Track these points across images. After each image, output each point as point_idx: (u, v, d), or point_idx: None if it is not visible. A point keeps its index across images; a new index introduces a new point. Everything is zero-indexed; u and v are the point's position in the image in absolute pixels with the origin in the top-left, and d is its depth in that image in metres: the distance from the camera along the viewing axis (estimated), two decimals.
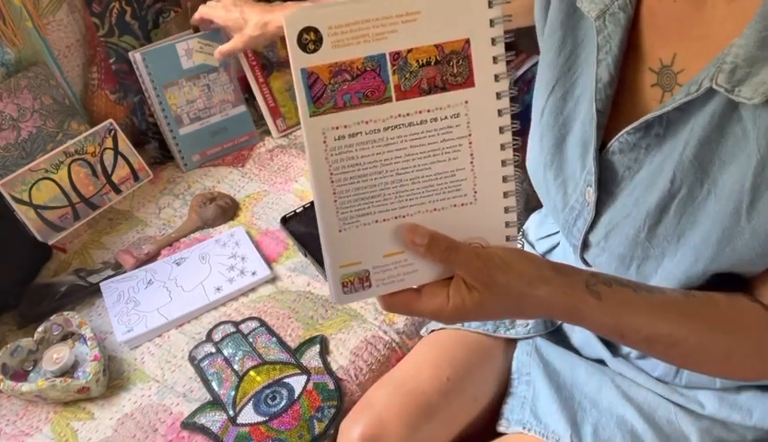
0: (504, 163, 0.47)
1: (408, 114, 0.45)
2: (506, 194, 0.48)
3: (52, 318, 0.88)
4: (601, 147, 0.60)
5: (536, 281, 0.48)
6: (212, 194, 1.15)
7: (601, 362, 0.76)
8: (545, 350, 0.78)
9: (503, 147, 0.47)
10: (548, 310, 0.50)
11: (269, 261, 1.01)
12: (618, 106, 0.59)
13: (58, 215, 1.05)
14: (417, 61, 0.44)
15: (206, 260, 1.01)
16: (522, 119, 0.48)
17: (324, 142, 0.44)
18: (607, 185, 0.60)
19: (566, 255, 0.77)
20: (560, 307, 0.49)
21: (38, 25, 1.09)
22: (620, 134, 0.57)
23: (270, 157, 1.27)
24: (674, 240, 0.56)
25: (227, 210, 1.12)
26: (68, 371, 0.84)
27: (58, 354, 0.84)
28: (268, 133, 1.33)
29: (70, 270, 1.02)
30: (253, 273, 0.98)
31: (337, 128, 0.44)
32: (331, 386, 0.82)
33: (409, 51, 0.43)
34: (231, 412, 0.80)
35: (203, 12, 1.13)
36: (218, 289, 0.96)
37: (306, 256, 1.01)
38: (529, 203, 1.14)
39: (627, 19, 0.56)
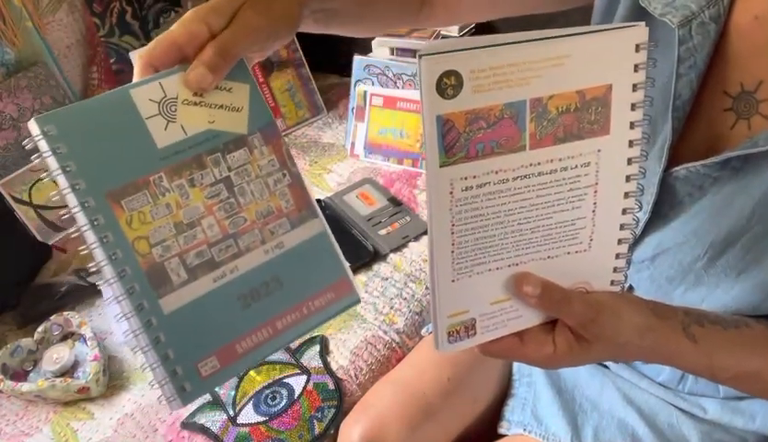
0: (624, 211, 0.45)
1: (539, 164, 0.42)
2: (620, 241, 0.47)
3: (52, 318, 0.88)
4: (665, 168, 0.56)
5: (645, 331, 0.47)
6: None
7: (603, 365, 0.75)
8: None
9: (626, 196, 0.45)
10: (645, 356, 0.50)
11: None
12: (685, 126, 0.55)
13: (58, 215, 1.05)
14: (557, 108, 0.41)
15: None
16: None
17: (451, 193, 0.41)
18: (660, 207, 0.57)
19: None
20: (658, 354, 0.49)
21: (38, 25, 1.09)
22: (692, 164, 0.53)
23: None
24: (733, 274, 0.54)
25: None
26: (68, 371, 0.83)
27: (58, 354, 0.84)
28: None
29: (70, 270, 1.02)
30: None
31: (466, 178, 0.41)
32: (331, 386, 0.82)
33: (550, 97, 0.40)
34: (231, 412, 0.80)
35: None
36: None
37: None
38: None
39: (718, 33, 0.51)
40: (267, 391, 0.82)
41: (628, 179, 0.44)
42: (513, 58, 0.39)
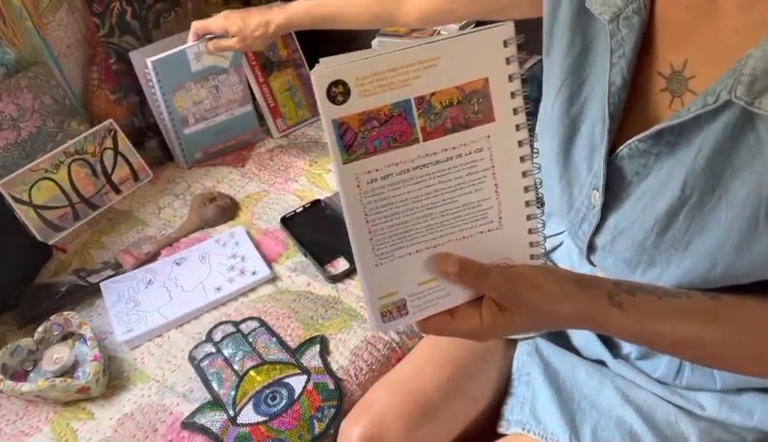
0: (526, 189, 0.50)
1: (435, 153, 0.47)
2: (528, 217, 0.50)
3: (52, 318, 0.88)
4: (610, 151, 0.60)
5: (562, 299, 0.50)
6: (212, 194, 1.15)
7: (602, 363, 0.76)
8: (545, 350, 0.78)
9: (524, 175, 0.49)
10: (574, 323, 0.53)
11: (269, 261, 1.01)
12: (627, 110, 0.59)
13: (58, 215, 1.05)
14: (441, 103, 0.46)
15: (206, 260, 1.01)
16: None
17: (358, 186, 0.46)
18: (614, 190, 0.60)
19: (570, 255, 0.76)
20: (585, 320, 0.52)
21: (38, 25, 1.09)
22: (630, 141, 0.57)
23: (270, 157, 1.27)
24: (681, 248, 0.56)
25: (227, 210, 1.12)
26: (68, 371, 0.83)
27: (58, 354, 0.84)
28: (268, 132, 1.33)
29: (70, 270, 1.02)
30: (253, 273, 0.98)
31: (369, 172, 0.46)
32: (331, 386, 0.82)
33: (432, 94, 0.45)
34: (231, 412, 0.80)
35: (199, 25, 1.11)
36: (218, 289, 0.96)
37: (306, 256, 1.01)
38: None
39: (641, 24, 0.56)
40: (267, 391, 0.82)
41: (523, 159, 0.49)
42: (390, 64, 0.44)
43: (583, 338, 0.77)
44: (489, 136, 0.47)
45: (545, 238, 0.52)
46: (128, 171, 1.16)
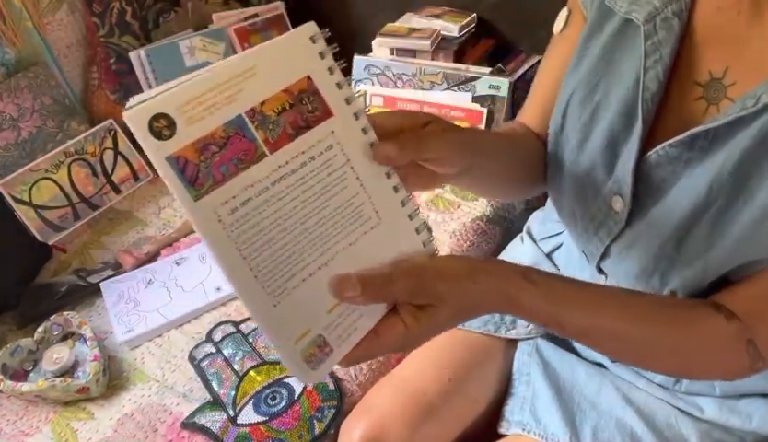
0: (388, 175, 0.48)
1: (287, 163, 0.44)
2: (403, 203, 0.49)
3: (52, 318, 0.88)
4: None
5: (472, 274, 0.48)
6: None
7: (602, 365, 0.75)
8: (546, 351, 0.78)
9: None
10: (491, 304, 0.50)
11: None
12: (657, 117, 0.57)
13: (58, 215, 1.05)
14: (273, 110, 0.44)
15: (206, 259, 1.01)
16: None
17: (220, 221, 0.42)
18: (639, 196, 0.58)
19: (571, 258, 0.76)
20: (500, 295, 0.49)
21: (38, 25, 1.09)
22: (660, 147, 0.55)
23: None
24: (701, 251, 0.55)
25: None
26: (68, 371, 0.83)
27: (58, 355, 0.84)
28: None
29: (70, 270, 1.02)
30: None
31: (227, 202, 0.42)
32: (331, 386, 0.82)
33: (262, 104, 0.43)
34: (231, 412, 0.80)
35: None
36: (218, 289, 0.96)
37: None
38: (529, 203, 1.14)
39: (681, 27, 0.53)
40: (267, 391, 0.82)
41: (372, 145, 0.47)
42: (208, 84, 0.41)
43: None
44: (333, 132, 0.46)
45: (425, 222, 0.50)
46: (128, 171, 1.16)
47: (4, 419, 0.82)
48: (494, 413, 0.79)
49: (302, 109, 0.45)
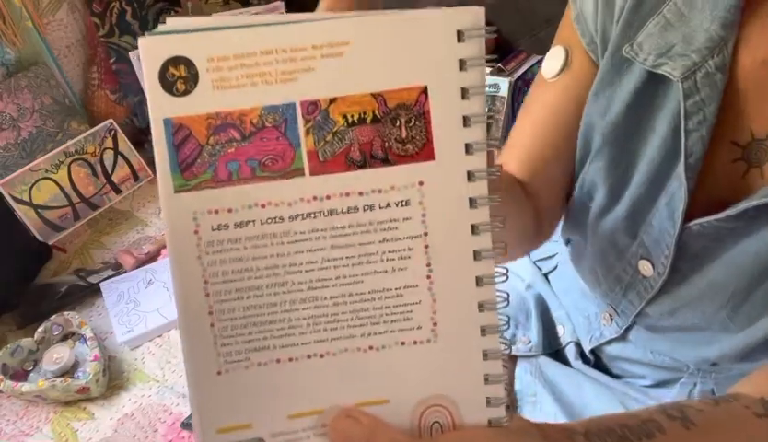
0: (479, 281, 0.31)
1: (328, 197, 0.30)
2: (484, 331, 0.32)
3: (52, 318, 0.88)
4: None
5: None
6: None
7: (608, 378, 0.73)
8: (549, 370, 0.74)
9: (477, 257, 0.31)
10: None
11: None
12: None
13: (58, 215, 1.05)
14: (345, 117, 0.30)
15: None
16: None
17: (196, 232, 0.29)
18: (675, 263, 0.54)
19: (564, 278, 0.74)
20: None
21: (38, 25, 1.09)
22: (705, 220, 0.50)
23: None
24: (755, 316, 0.53)
25: None
26: (68, 371, 0.83)
27: (58, 355, 0.84)
28: None
29: (70, 270, 1.02)
30: None
31: (217, 212, 0.30)
32: None
33: (332, 100, 0.29)
34: None
35: None
36: None
37: None
38: None
39: (725, 83, 0.47)
40: None
41: (475, 230, 0.31)
42: (268, 42, 0.28)
43: (581, 364, 0.74)
44: (422, 183, 0.30)
45: (510, 385, 0.35)
46: (128, 171, 1.16)
47: (4, 419, 0.82)
48: None
49: (390, 132, 0.30)
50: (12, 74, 1.07)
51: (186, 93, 0.29)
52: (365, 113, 0.30)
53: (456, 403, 0.32)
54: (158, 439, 0.78)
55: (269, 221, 0.30)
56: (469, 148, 0.30)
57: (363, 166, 0.30)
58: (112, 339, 0.90)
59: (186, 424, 0.79)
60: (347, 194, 0.30)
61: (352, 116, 0.30)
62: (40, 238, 1.01)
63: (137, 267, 1.01)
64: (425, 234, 0.31)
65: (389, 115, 0.30)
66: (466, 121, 0.30)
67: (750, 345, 0.54)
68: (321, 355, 0.32)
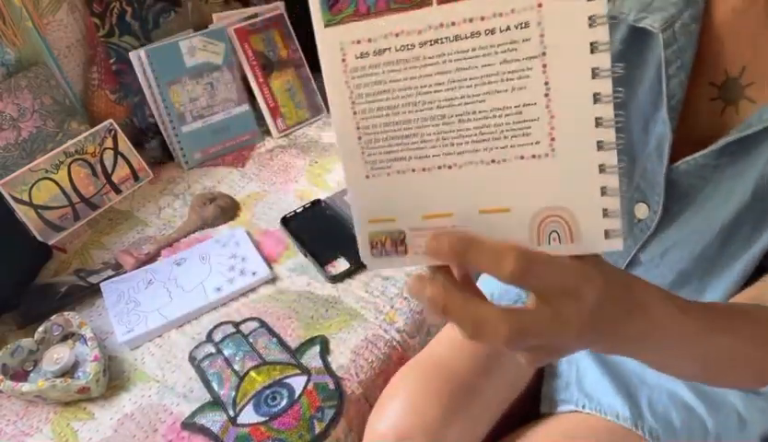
0: (596, 98, 0.33)
1: (454, 24, 0.33)
2: (600, 146, 0.33)
3: (52, 318, 0.88)
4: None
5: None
6: (212, 194, 1.15)
7: None
8: None
9: (595, 74, 0.33)
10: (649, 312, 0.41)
11: (269, 262, 1.01)
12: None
13: (58, 215, 1.05)
14: None
15: (206, 260, 1.01)
16: None
17: (343, 60, 0.35)
18: (666, 204, 0.58)
19: None
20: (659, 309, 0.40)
21: (38, 25, 1.09)
22: (690, 157, 0.54)
23: (270, 157, 1.27)
24: (743, 251, 0.55)
25: (227, 210, 1.12)
26: (68, 371, 0.83)
27: (58, 355, 0.84)
28: (268, 133, 1.33)
29: (70, 270, 1.02)
30: (253, 274, 0.98)
31: (359, 42, 0.34)
32: (332, 386, 0.82)
33: None
34: (231, 413, 0.80)
35: None
36: (218, 289, 0.96)
37: (306, 256, 1.01)
38: None
39: (699, 31, 0.52)
40: (267, 392, 0.82)
41: (594, 48, 0.32)
42: None
43: None
44: (540, 5, 0.32)
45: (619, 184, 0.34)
46: (128, 171, 1.16)
47: (4, 419, 0.81)
48: (528, 393, 0.77)
49: None
50: (12, 74, 1.07)
51: None
52: None
53: (573, 214, 0.35)
54: (158, 439, 0.78)
55: (402, 48, 0.34)
56: None
57: None
58: (112, 339, 0.90)
59: (186, 425, 0.79)
60: (470, 20, 0.33)
61: None
62: (40, 239, 1.01)
63: (137, 267, 1.01)
64: (544, 54, 0.33)
65: None
66: None
67: (740, 282, 0.57)
68: (449, 167, 0.36)
